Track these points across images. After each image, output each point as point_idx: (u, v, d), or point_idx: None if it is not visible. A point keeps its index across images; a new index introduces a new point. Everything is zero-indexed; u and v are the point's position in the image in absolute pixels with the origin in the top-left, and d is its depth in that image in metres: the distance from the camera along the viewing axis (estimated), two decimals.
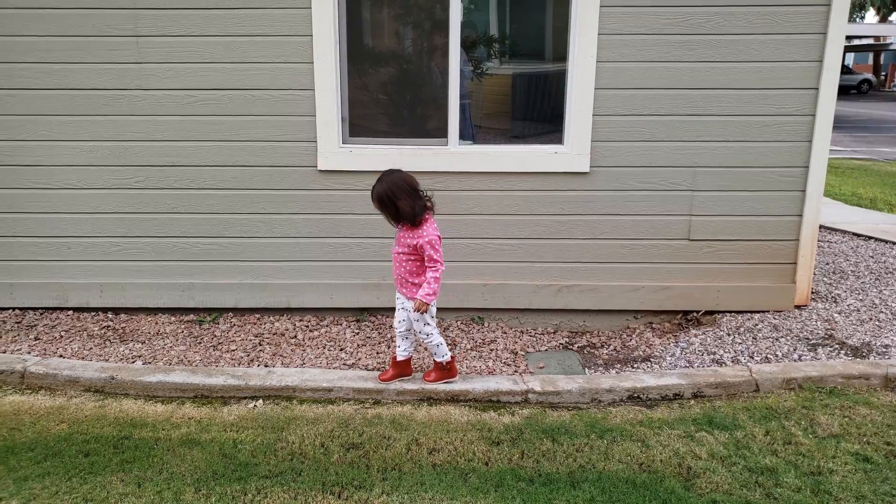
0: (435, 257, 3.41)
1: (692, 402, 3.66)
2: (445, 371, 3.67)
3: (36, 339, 4.30)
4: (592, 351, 4.44)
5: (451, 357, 3.68)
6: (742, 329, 4.42)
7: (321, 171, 4.48)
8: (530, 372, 4.07)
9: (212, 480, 2.90)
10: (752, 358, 4.06)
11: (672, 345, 4.39)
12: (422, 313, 3.49)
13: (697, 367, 4.02)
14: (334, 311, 4.74)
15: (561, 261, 4.60)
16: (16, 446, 3.16)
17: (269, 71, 4.33)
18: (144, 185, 4.50)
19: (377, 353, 4.20)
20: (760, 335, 4.33)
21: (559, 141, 4.51)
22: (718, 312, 4.65)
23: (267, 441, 3.22)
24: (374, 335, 4.46)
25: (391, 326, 4.60)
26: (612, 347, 4.46)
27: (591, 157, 4.43)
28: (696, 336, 4.40)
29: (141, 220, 4.54)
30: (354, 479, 2.92)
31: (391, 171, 3.47)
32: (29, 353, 4.08)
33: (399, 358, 3.68)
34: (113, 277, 4.64)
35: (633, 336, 4.59)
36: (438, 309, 4.65)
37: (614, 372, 4.10)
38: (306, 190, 4.52)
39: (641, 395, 3.67)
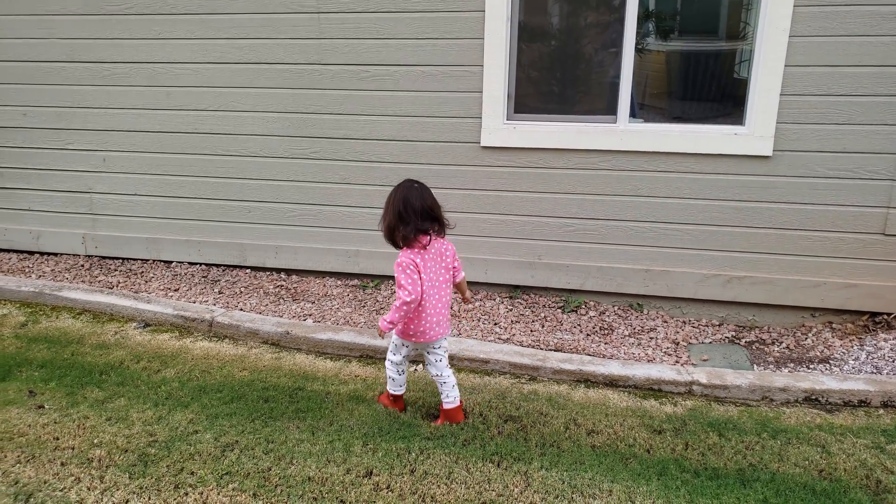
0: (402, 281, 2.84)
1: (881, 411, 3.33)
2: (390, 401, 3.24)
3: (220, 292, 4.70)
4: (762, 347, 4.16)
5: (401, 395, 3.22)
6: None
7: (484, 147, 4.50)
8: (692, 364, 3.88)
9: (378, 436, 3.04)
10: None
11: (856, 348, 4.02)
12: (380, 336, 2.95)
13: (887, 374, 3.65)
14: (487, 286, 4.78)
15: (733, 250, 4.34)
16: (207, 387, 3.48)
17: (440, 47, 4.40)
18: (320, 156, 4.75)
19: (531, 330, 4.19)
20: None
21: (733, 121, 4.23)
22: None
23: (427, 404, 3.31)
24: (527, 313, 4.46)
25: (544, 306, 4.57)
26: (784, 345, 4.15)
27: (775, 139, 4.12)
28: (885, 340, 3.99)
29: (315, 189, 4.82)
30: (513, 451, 2.93)
31: (400, 184, 2.94)
32: (215, 304, 4.47)
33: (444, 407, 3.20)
34: (287, 241, 4.96)
35: (809, 335, 4.25)
36: (595, 292, 4.59)
37: (787, 371, 3.82)
38: (468, 166, 4.57)
39: (820, 398, 3.39)
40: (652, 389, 3.51)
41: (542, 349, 3.92)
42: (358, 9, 4.46)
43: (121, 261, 5.27)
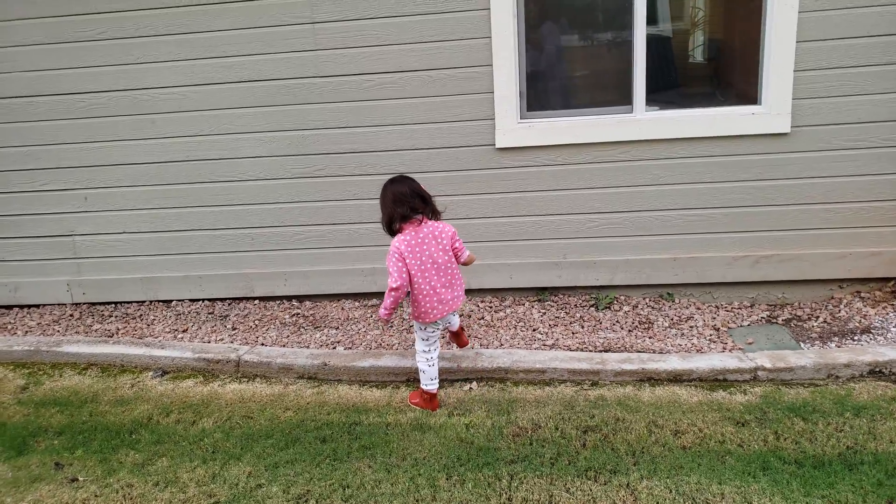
0: (389, 269, 3.10)
1: None
2: (423, 401, 3.33)
3: (233, 328, 4.41)
4: (800, 324, 4.14)
5: (434, 392, 3.30)
6: None
7: (498, 148, 4.35)
8: (740, 348, 3.83)
9: (458, 466, 2.85)
10: None
11: (891, 315, 4.04)
12: (384, 324, 3.14)
13: None
14: (514, 291, 4.64)
15: (758, 230, 4.31)
16: (254, 434, 3.22)
17: (446, 49, 4.23)
18: (325, 174, 4.51)
19: (573, 332, 4.07)
20: None
21: (748, 101, 4.21)
22: None
23: (497, 425, 3.15)
24: (561, 314, 4.33)
25: (576, 305, 4.46)
26: (821, 319, 4.14)
27: (792, 116, 4.10)
28: None
29: (322, 208, 4.57)
30: (606, 464, 2.80)
31: (390, 180, 3.25)
32: (233, 342, 4.19)
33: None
34: (296, 266, 4.70)
35: (842, 307, 4.25)
36: (624, 286, 4.51)
37: (833, 345, 3.81)
38: (483, 169, 4.41)
39: (884, 370, 3.38)
40: (717, 380, 3.43)
41: (592, 351, 3.80)
42: (354, 15, 4.24)
43: (114, 305, 4.90)
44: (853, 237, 4.27)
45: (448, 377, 3.60)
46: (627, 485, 2.67)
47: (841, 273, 4.33)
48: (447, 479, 2.77)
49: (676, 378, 3.45)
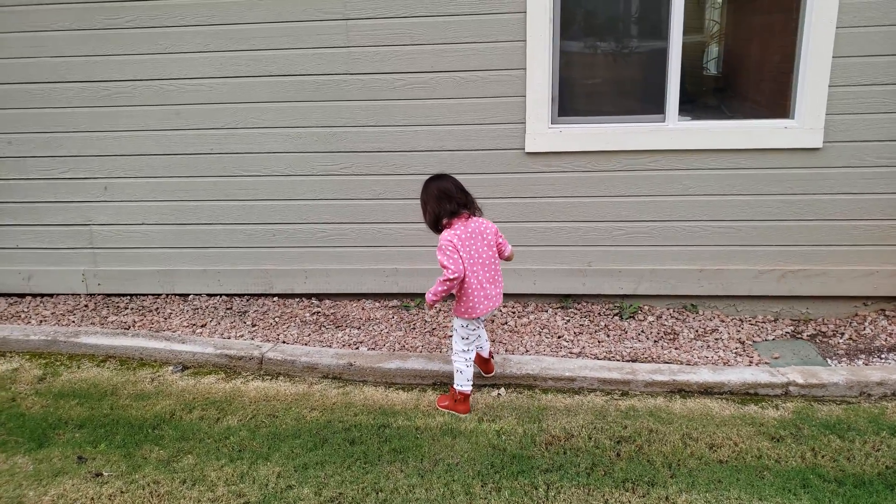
0: (444, 262, 3.07)
1: None
2: (455, 402, 3.29)
3: (253, 325, 4.35)
4: (825, 340, 4.12)
5: (468, 393, 3.28)
6: None
7: (528, 153, 4.32)
8: (766, 362, 3.80)
9: (493, 473, 2.81)
10: None
11: None
12: (429, 308, 3.09)
13: None
14: (536, 298, 4.60)
15: (786, 244, 4.29)
16: (281, 433, 3.16)
17: (479, 51, 4.20)
18: (351, 172, 4.47)
19: (598, 341, 4.03)
20: None
21: (780, 114, 4.19)
22: None
23: (529, 432, 3.10)
24: (585, 322, 4.29)
25: (599, 314, 4.42)
26: (846, 336, 4.12)
27: (825, 131, 4.09)
28: None
29: (347, 207, 4.53)
30: (644, 475, 2.76)
31: (430, 179, 3.26)
32: (253, 338, 4.13)
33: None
34: (318, 263, 4.65)
35: (867, 324, 4.23)
36: (648, 296, 4.48)
37: (861, 363, 3.78)
38: (512, 173, 4.37)
39: None
40: (748, 394, 3.40)
41: (619, 361, 3.76)
42: (389, 14, 4.20)
43: (129, 297, 4.83)
44: (880, 255, 4.25)
45: (476, 382, 3.55)
46: (666, 497, 2.63)
47: (867, 290, 4.32)
48: (482, 487, 2.73)
49: (707, 390, 3.42)
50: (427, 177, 3.35)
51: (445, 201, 3.13)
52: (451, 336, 4.07)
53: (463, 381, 3.26)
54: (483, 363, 3.53)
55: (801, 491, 2.64)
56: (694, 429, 3.09)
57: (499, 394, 3.48)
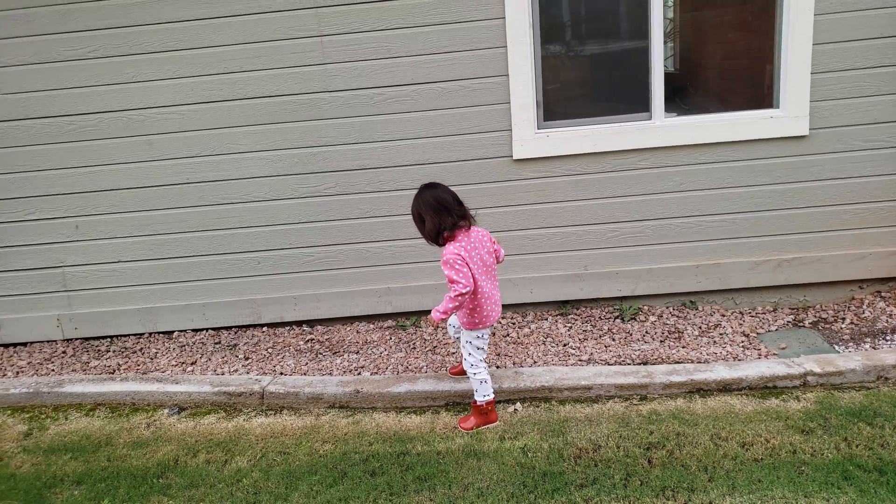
0: (453, 277, 2.96)
1: None
2: (484, 415, 3.20)
3: (246, 358, 4.16)
4: (827, 326, 4.12)
5: (494, 399, 3.22)
6: None
7: (516, 160, 4.24)
8: (774, 353, 3.78)
9: (528, 493, 2.69)
10: None
11: None
12: (434, 327, 2.98)
13: None
14: (534, 306, 4.52)
15: (780, 233, 4.29)
16: (295, 471, 2.99)
17: (460, 60, 4.11)
18: (334, 192, 4.33)
19: (605, 346, 3.95)
20: None
21: (766, 105, 4.20)
22: None
23: (555, 447, 2.99)
24: (588, 328, 4.22)
25: (600, 318, 4.35)
26: (847, 321, 4.13)
27: (810, 118, 4.11)
28: None
29: (333, 228, 4.38)
30: (682, 482, 2.67)
31: (423, 187, 3.14)
32: (247, 372, 3.94)
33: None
34: (306, 289, 4.49)
35: (864, 307, 4.25)
36: (647, 296, 4.43)
37: (868, 346, 3.78)
38: (500, 182, 4.29)
39: None
40: (767, 388, 3.36)
41: (630, 364, 3.69)
42: (365, 28, 4.09)
43: (110, 339, 4.59)
44: (872, 237, 4.28)
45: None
46: (710, 503, 2.54)
47: (861, 273, 4.34)
48: None
49: (725, 387, 3.36)
50: (415, 189, 3.22)
51: (445, 214, 3.03)
52: (454, 353, 3.95)
53: (487, 390, 3.18)
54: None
55: (844, 483, 2.59)
56: (721, 428, 3.02)
57: (515, 409, 3.37)
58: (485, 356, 3.23)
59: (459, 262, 2.99)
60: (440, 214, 3.03)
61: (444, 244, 3.07)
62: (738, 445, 2.89)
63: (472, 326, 3.14)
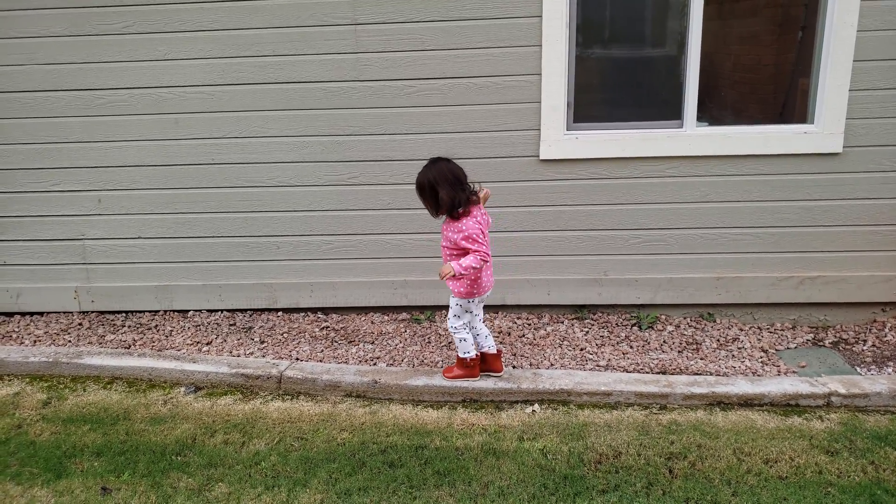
0: (475, 248, 3.14)
1: None
2: (468, 369, 3.45)
3: (261, 341, 4.15)
4: (848, 348, 4.08)
5: (476, 356, 3.45)
6: None
7: (542, 160, 4.21)
8: (794, 371, 3.75)
9: (549, 495, 2.67)
10: None
11: None
12: (444, 278, 3.14)
13: None
14: (551, 308, 4.49)
15: (804, 250, 4.26)
16: (313, 457, 2.98)
17: (493, 56, 4.08)
18: (359, 182, 4.30)
19: (622, 353, 3.93)
20: None
21: (799, 119, 4.17)
22: None
23: (575, 450, 2.97)
24: (605, 334, 4.19)
25: (617, 324, 4.33)
26: (869, 343, 4.10)
27: (845, 136, 4.07)
28: None
29: (354, 217, 4.36)
30: (706, 494, 2.65)
31: (436, 160, 3.25)
32: (263, 356, 3.93)
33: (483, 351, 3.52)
34: (324, 276, 4.47)
35: (887, 330, 4.22)
36: (664, 305, 4.40)
37: (891, 371, 3.75)
38: (526, 181, 4.26)
39: None
40: (789, 405, 3.33)
41: (648, 373, 3.66)
42: (400, 18, 4.06)
43: (125, 314, 4.58)
44: None
45: (507, 398, 3.42)
46: None
47: (885, 296, 4.31)
48: None
49: (747, 402, 3.34)
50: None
51: (459, 188, 3.15)
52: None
53: (468, 348, 3.41)
54: (494, 361, 3.50)
55: None
56: (744, 443, 3.00)
57: (533, 410, 3.35)
58: (464, 322, 3.38)
59: (481, 236, 3.17)
60: (455, 188, 3.14)
61: (458, 218, 3.17)
62: (762, 461, 2.86)
63: (468, 296, 3.32)
